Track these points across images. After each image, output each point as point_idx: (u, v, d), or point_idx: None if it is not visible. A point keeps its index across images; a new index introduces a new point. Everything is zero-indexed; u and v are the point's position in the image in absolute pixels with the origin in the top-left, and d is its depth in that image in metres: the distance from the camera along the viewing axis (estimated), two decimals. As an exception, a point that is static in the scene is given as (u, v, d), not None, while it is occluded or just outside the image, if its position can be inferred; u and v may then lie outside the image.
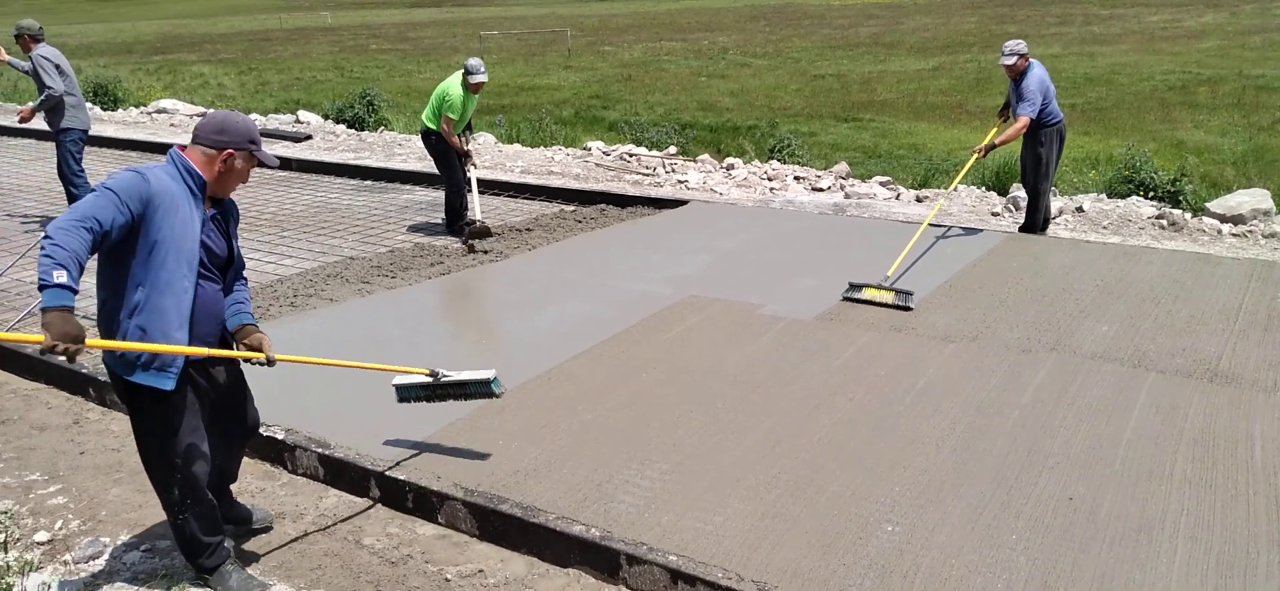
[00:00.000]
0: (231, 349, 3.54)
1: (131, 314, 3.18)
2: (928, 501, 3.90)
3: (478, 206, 8.39)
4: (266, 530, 3.98)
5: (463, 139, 8.57)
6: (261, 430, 4.59)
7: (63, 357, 2.85)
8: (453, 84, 8.40)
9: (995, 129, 8.39)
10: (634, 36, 37.00)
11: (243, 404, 3.73)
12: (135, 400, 3.29)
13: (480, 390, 4.34)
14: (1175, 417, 4.64)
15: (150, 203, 3.12)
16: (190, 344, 3.27)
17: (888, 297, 6.47)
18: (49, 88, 8.35)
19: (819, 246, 7.96)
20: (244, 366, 3.69)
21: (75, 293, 2.95)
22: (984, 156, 8.26)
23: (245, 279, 3.65)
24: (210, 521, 3.49)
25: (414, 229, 9.00)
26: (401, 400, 4.39)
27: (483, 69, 8.40)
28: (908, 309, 6.35)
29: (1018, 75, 7.91)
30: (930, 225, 8.12)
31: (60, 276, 2.89)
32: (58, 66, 8.48)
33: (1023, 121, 7.78)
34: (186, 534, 3.45)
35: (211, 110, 17.55)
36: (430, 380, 4.28)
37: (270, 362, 3.47)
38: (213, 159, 3.30)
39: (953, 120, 17.71)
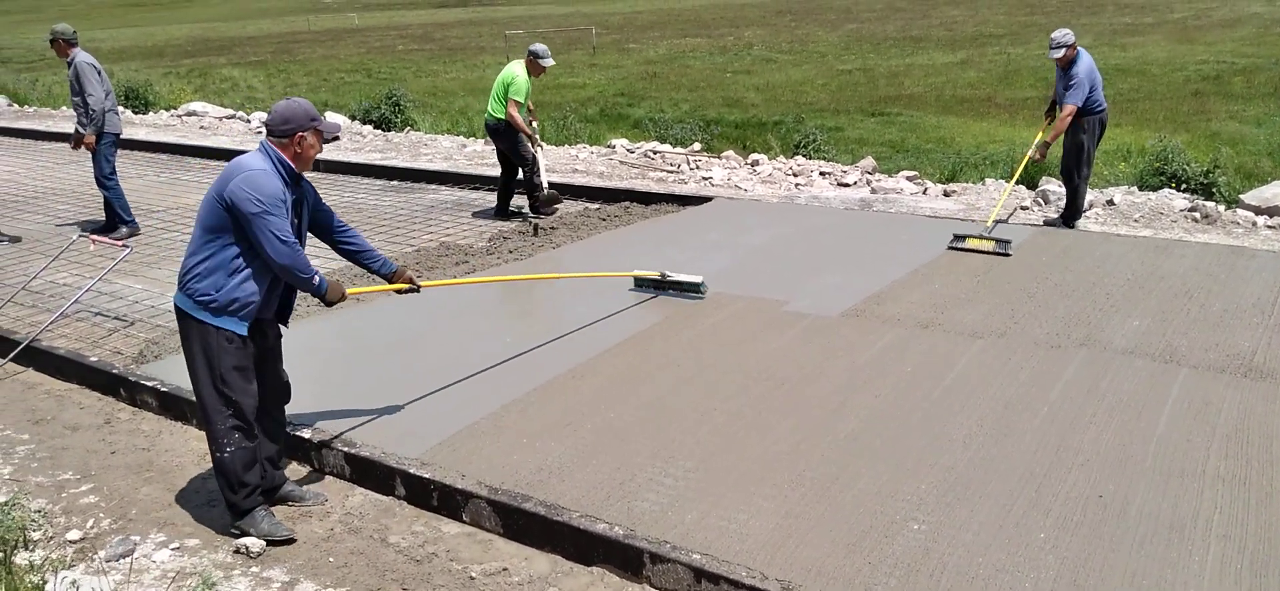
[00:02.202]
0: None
1: (233, 273, 3.77)
2: (955, 499, 3.86)
3: (545, 179, 8.88)
4: (320, 503, 4.25)
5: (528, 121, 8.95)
6: (289, 430, 4.63)
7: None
8: (517, 70, 8.69)
9: (1043, 128, 8.46)
10: (658, 34, 36.96)
11: (277, 365, 4.16)
12: (206, 339, 3.80)
13: (692, 290, 6.34)
14: (1208, 414, 4.56)
15: (284, 200, 3.79)
16: (263, 306, 3.89)
17: (989, 246, 7.36)
18: (90, 95, 8.43)
19: (845, 242, 7.91)
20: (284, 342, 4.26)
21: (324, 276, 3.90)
22: (1042, 158, 8.36)
23: (354, 230, 4.30)
24: (250, 461, 3.93)
25: (439, 228, 9.04)
26: (635, 288, 6.53)
27: (548, 53, 8.78)
28: (1006, 255, 7.22)
29: (1067, 64, 7.96)
30: (959, 220, 8.15)
31: (317, 278, 3.88)
32: (99, 72, 8.59)
33: (1069, 110, 7.87)
34: (228, 469, 3.89)
35: (239, 111, 17.70)
36: (660, 278, 6.45)
37: (418, 289, 4.48)
38: (288, 146, 3.85)
39: (981, 114, 17.53)
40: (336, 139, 4.17)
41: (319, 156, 4.09)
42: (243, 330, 3.83)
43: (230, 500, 3.94)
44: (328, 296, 3.97)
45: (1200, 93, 17.98)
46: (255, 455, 3.97)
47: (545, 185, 8.58)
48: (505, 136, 8.90)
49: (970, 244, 7.42)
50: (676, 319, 6.09)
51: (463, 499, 4.07)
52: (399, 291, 4.43)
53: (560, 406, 4.84)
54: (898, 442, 4.35)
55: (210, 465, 4.51)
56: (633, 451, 4.34)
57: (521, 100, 8.64)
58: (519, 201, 9.39)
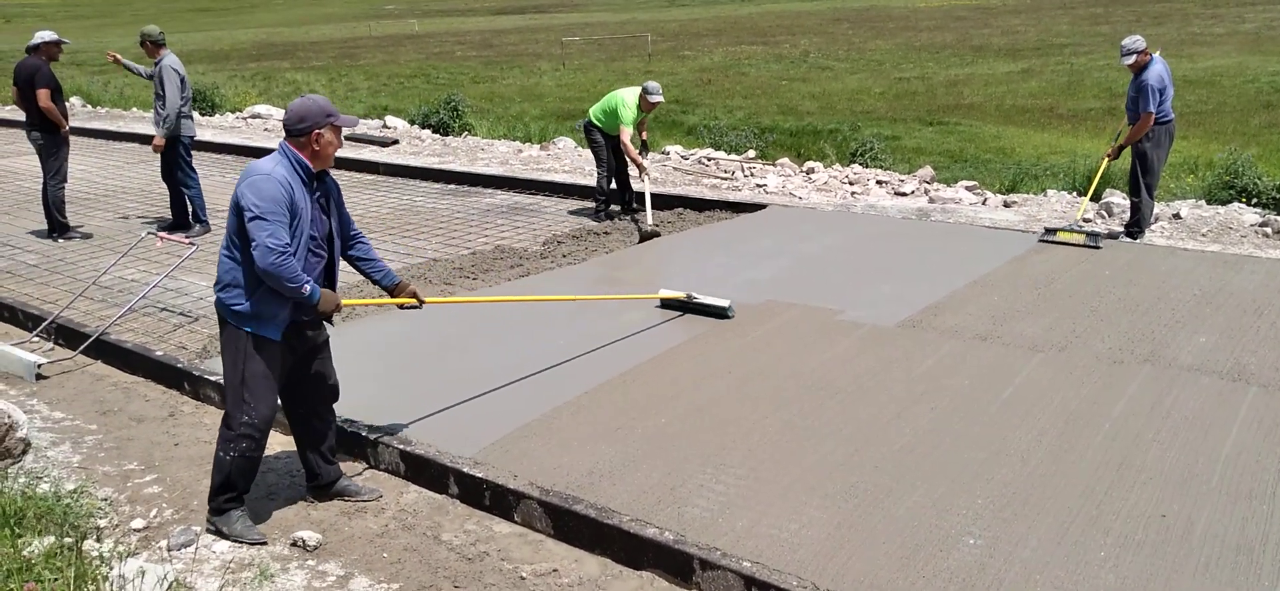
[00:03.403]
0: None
1: (259, 282, 3.77)
2: (1012, 514, 3.79)
3: (650, 214, 8.90)
4: (375, 499, 4.31)
5: (641, 152, 9.27)
6: (346, 427, 4.71)
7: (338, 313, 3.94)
8: (629, 98, 9.07)
9: (1121, 129, 8.52)
10: (714, 41, 36.90)
11: (325, 365, 4.19)
12: (237, 342, 3.86)
13: (718, 312, 6.11)
14: (1279, 434, 4.42)
15: (293, 205, 3.73)
16: (292, 309, 3.86)
17: (1079, 239, 7.74)
18: (168, 99, 8.67)
19: (902, 252, 7.82)
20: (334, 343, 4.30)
21: (318, 284, 3.86)
22: (1115, 158, 8.50)
23: (365, 239, 4.27)
24: (248, 473, 3.98)
25: (495, 232, 9.13)
26: (661, 307, 6.33)
27: (660, 92, 9.14)
28: (1097, 248, 7.58)
29: (1139, 71, 7.97)
30: (1020, 231, 8.18)
31: (308, 287, 3.77)
32: (182, 79, 8.84)
33: (1145, 118, 7.89)
34: (225, 471, 3.93)
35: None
36: (686, 299, 6.22)
37: (421, 304, 4.35)
38: (305, 145, 3.82)
39: (1043, 124, 17.23)
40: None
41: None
42: (276, 335, 3.86)
43: (213, 499, 3.98)
44: (321, 306, 3.86)
45: (1272, 105, 17.47)
46: (256, 468, 4.01)
47: (649, 222, 8.82)
48: (593, 141, 9.35)
49: (1061, 237, 7.86)
50: (729, 326, 6.06)
51: (514, 499, 4.10)
52: (401, 305, 4.37)
53: (611, 410, 4.85)
54: (954, 455, 4.28)
55: (266, 459, 4.62)
56: (683, 457, 4.33)
57: (630, 130, 9.04)
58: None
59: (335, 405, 4.33)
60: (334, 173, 4.09)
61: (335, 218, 4.01)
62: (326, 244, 3.97)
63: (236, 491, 3.98)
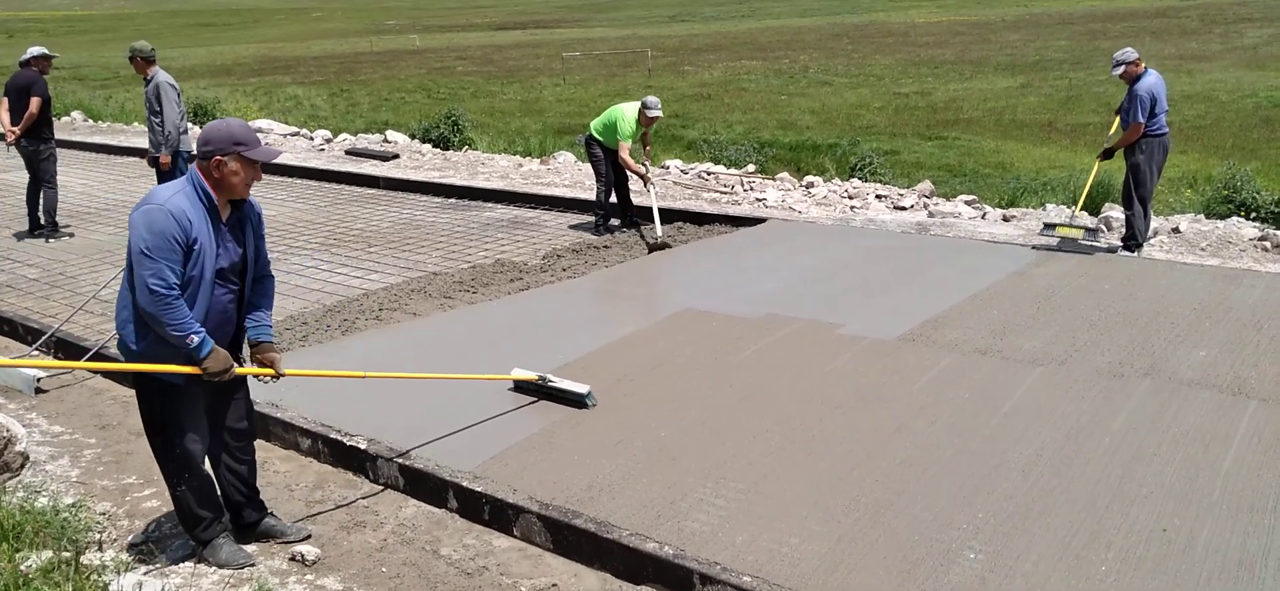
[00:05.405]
0: (245, 356, 3.93)
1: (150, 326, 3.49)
2: (1013, 529, 3.78)
3: (659, 225, 9.04)
4: (303, 538, 4.07)
5: (643, 163, 9.47)
6: (345, 441, 4.70)
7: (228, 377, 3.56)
8: (629, 112, 9.19)
9: (1113, 131, 8.62)
10: (714, 56, 37.00)
11: (237, 405, 3.89)
12: (142, 383, 3.66)
13: (575, 400, 5.10)
14: (1279, 448, 4.42)
15: (186, 238, 3.43)
16: (188, 358, 3.53)
17: (1078, 235, 8.06)
18: (167, 115, 8.74)
19: (901, 266, 7.82)
20: (251, 380, 3.96)
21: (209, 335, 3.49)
22: (1105, 158, 8.63)
23: (269, 284, 3.88)
24: (205, 496, 3.80)
25: (495, 245, 9.14)
26: (514, 390, 5.30)
27: (659, 106, 9.31)
28: (1095, 243, 7.94)
29: (1131, 81, 8.03)
30: (1019, 245, 8.27)
31: (195, 338, 3.44)
32: (179, 93, 8.94)
33: (1133, 128, 7.95)
34: (184, 505, 3.79)
35: (302, 129, 18.07)
36: (539, 382, 5.20)
37: (278, 377, 3.88)
38: (208, 170, 3.52)
39: (1042, 139, 17.28)
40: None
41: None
42: (176, 380, 3.55)
43: (189, 533, 3.84)
44: (207, 364, 3.47)
45: (1270, 120, 17.52)
46: (210, 487, 3.81)
47: (658, 235, 8.90)
48: (593, 155, 9.52)
49: (1060, 232, 8.17)
50: (730, 341, 6.06)
51: (514, 513, 4.09)
52: (254, 373, 3.84)
53: (611, 424, 4.84)
54: (954, 469, 4.27)
55: (267, 472, 4.62)
56: (683, 471, 4.32)
57: (629, 143, 9.18)
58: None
59: (254, 442, 4.05)
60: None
61: (249, 247, 3.69)
62: (239, 276, 3.67)
63: (207, 520, 3.80)
